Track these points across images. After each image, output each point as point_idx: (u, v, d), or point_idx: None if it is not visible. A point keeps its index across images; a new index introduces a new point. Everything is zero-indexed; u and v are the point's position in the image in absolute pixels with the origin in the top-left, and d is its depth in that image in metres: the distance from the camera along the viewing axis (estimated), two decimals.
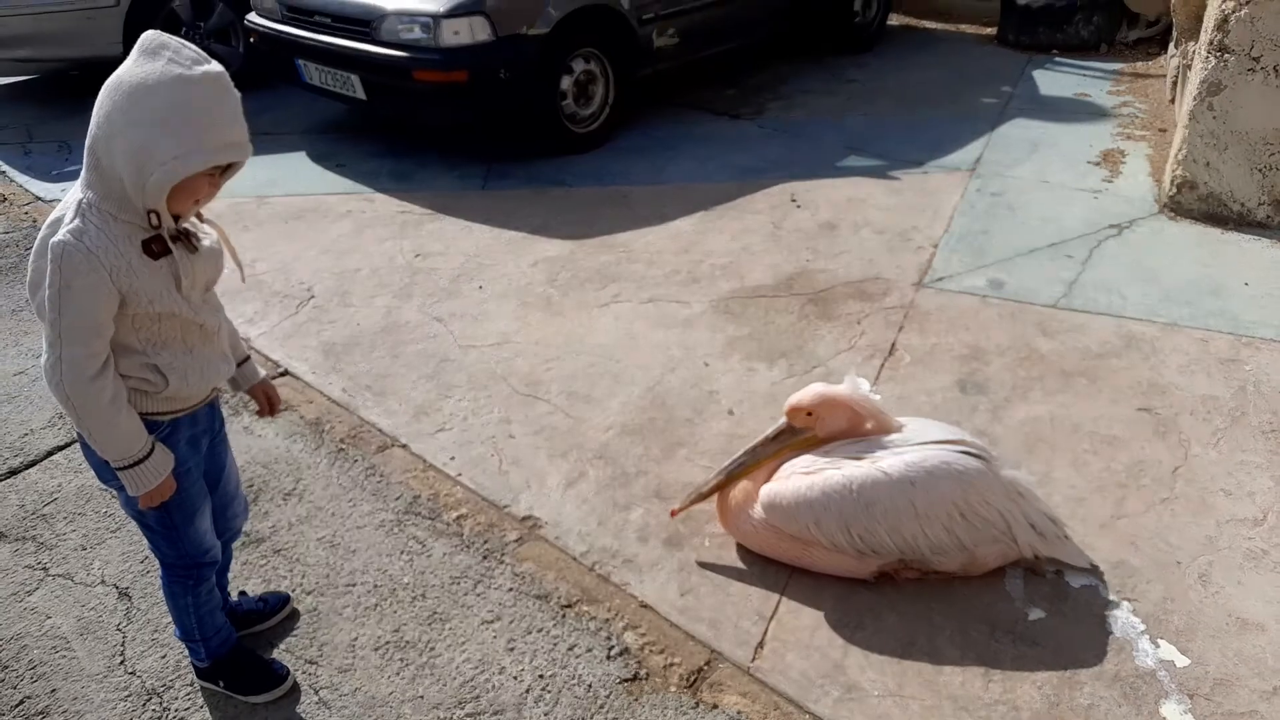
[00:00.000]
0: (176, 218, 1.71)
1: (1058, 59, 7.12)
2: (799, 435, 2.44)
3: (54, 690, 2.27)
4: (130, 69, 1.60)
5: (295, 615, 2.41)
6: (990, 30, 7.93)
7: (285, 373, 3.38)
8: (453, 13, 4.71)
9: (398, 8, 4.82)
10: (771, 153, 5.32)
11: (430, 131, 5.74)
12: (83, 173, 1.66)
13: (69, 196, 1.69)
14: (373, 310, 3.75)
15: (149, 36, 1.62)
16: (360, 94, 5.09)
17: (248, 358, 2.10)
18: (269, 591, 2.44)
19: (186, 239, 1.75)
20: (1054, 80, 6.60)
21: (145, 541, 2.56)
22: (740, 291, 3.82)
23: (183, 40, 1.62)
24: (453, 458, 2.91)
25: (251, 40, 5.72)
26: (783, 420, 2.46)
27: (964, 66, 6.96)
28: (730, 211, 4.56)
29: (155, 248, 1.69)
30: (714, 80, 6.68)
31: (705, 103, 6.24)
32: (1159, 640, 2.22)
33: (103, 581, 2.57)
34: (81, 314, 1.63)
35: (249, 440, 3.04)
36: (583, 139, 5.39)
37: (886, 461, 2.30)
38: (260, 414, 2.20)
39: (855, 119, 5.86)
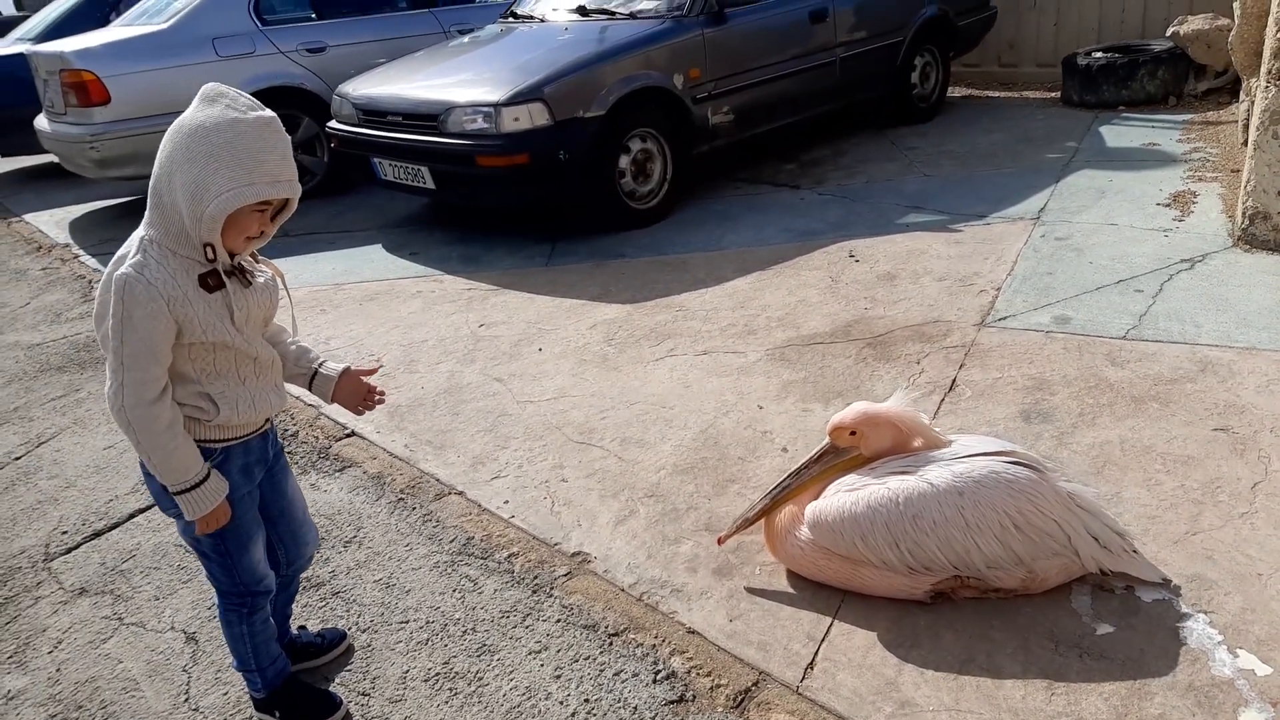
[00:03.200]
0: (232, 255, 1.83)
1: (1125, 114, 7.08)
2: (844, 455, 2.41)
3: None
4: (190, 114, 1.74)
5: (351, 651, 2.44)
6: (1054, 94, 7.94)
7: (352, 434, 3.49)
8: (512, 101, 4.96)
9: (462, 100, 5.11)
10: (830, 216, 5.37)
11: (498, 218, 5.98)
12: (146, 212, 1.80)
13: (133, 235, 1.83)
14: (436, 375, 3.86)
15: (209, 87, 1.77)
16: (430, 184, 5.35)
17: (316, 372, 2.13)
18: (326, 628, 2.48)
19: (241, 275, 1.87)
20: (1121, 133, 6.54)
21: (214, 590, 2.67)
22: (796, 340, 3.82)
23: (240, 90, 1.77)
24: (506, 502, 2.95)
25: (333, 145, 6.09)
26: (826, 441, 2.43)
27: (1027, 128, 6.96)
28: (787, 270, 4.60)
29: (211, 282, 1.80)
30: (773, 155, 6.82)
31: (765, 177, 6.37)
32: (1238, 650, 2.08)
33: (172, 628, 2.65)
34: (141, 341, 1.74)
35: (314, 495, 3.14)
36: (643, 215, 5.53)
37: (933, 473, 2.25)
38: (356, 413, 2.20)
39: (916, 181, 5.89)
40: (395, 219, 6.31)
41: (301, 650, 2.39)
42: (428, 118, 5.25)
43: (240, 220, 1.76)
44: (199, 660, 2.51)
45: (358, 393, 2.17)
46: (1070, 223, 4.81)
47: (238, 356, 1.89)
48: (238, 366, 1.90)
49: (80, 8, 8.80)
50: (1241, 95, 6.04)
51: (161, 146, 1.76)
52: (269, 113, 1.76)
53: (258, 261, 1.95)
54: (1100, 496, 2.36)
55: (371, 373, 2.21)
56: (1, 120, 8.16)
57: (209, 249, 1.76)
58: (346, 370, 2.15)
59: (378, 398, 2.21)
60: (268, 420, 2.07)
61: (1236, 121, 6.19)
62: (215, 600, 2.60)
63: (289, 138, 1.79)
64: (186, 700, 2.38)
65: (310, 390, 2.14)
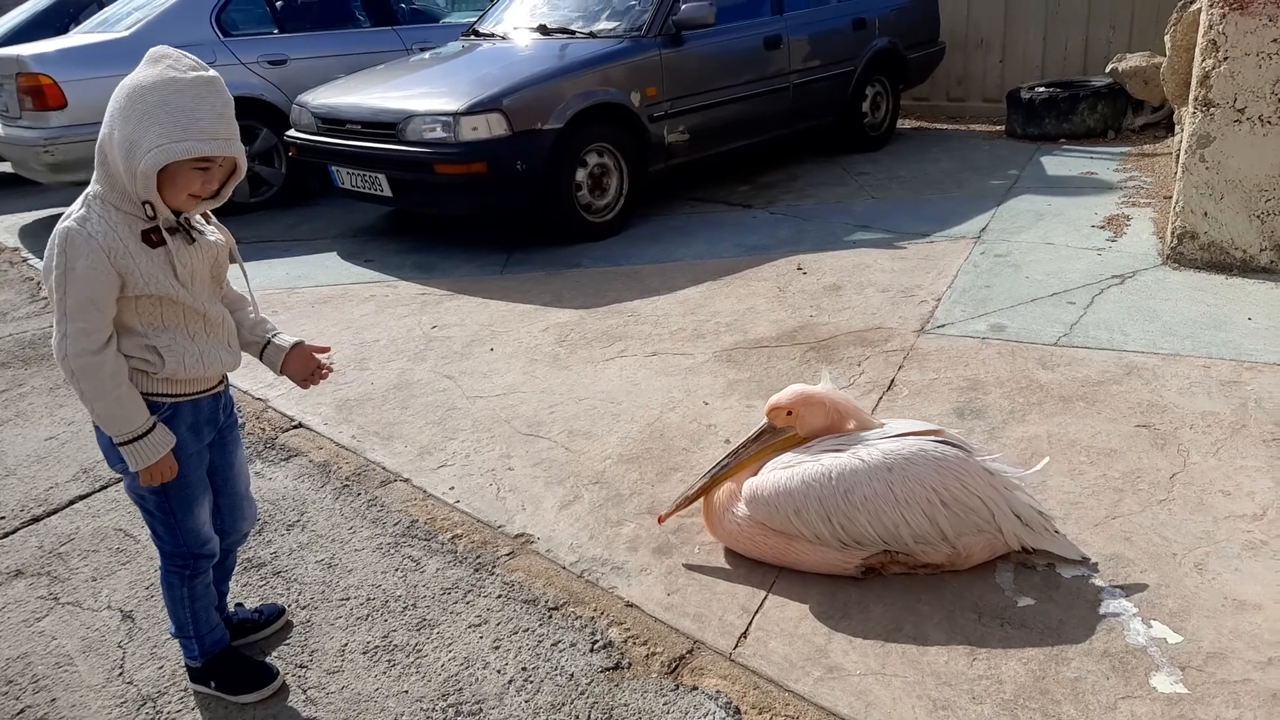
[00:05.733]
0: (179, 214, 1.87)
1: (1065, 146, 7.33)
2: (780, 435, 2.48)
3: (54, 700, 2.30)
4: (133, 75, 1.79)
5: (289, 627, 2.45)
6: (1000, 127, 8.21)
7: (299, 425, 3.50)
8: (470, 110, 5.04)
9: (422, 109, 5.18)
10: (781, 233, 5.49)
11: (454, 228, 6.03)
12: (95, 169, 1.84)
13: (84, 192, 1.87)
14: (387, 372, 3.89)
15: (155, 49, 1.82)
16: (387, 191, 5.40)
17: (269, 341, 2.15)
18: (264, 603, 2.49)
19: (185, 232, 1.90)
20: (1061, 163, 6.77)
21: (153, 571, 2.66)
22: (743, 343, 3.91)
23: (185, 52, 1.82)
24: (451, 488, 2.98)
25: (291, 153, 6.12)
26: (764, 421, 2.50)
27: (973, 158, 7.18)
28: (737, 280, 4.70)
29: (154, 238, 1.83)
30: (728, 177, 6.96)
31: (719, 197, 6.50)
32: (1152, 621, 2.17)
33: (109, 606, 2.63)
34: (83, 291, 1.77)
35: (259, 482, 3.13)
36: (599, 228, 5.62)
37: (864, 451, 2.33)
38: (303, 386, 2.20)
39: (865, 203, 6.05)
40: (352, 229, 6.33)
41: (239, 627, 2.39)
42: (387, 126, 5.31)
43: (178, 177, 1.78)
44: (135, 636, 2.49)
45: (307, 365, 2.19)
46: (1009, 241, 4.98)
47: (186, 312, 1.91)
48: (186, 322, 1.93)
49: (40, 16, 8.77)
50: (1176, 128, 6.30)
51: (107, 108, 1.80)
52: (210, 73, 1.79)
53: (209, 223, 1.99)
54: (1025, 479, 2.45)
55: (324, 350, 2.23)
56: None
57: (148, 206, 1.79)
58: (299, 343, 2.18)
59: (325, 373, 2.23)
60: (221, 382, 2.09)
61: (1172, 153, 6.44)
62: (154, 580, 2.62)
63: (230, 97, 1.81)
64: (121, 674, 2.37)
65: (261, 360, 2.17)
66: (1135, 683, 2.00)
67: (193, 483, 2.05)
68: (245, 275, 2.13)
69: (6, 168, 7.77)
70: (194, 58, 1.81)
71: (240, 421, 2.23)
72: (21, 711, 2.28)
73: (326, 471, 3.16)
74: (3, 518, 3.12)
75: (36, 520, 3.10)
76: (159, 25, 6.63)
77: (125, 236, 1.79)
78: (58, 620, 2.60)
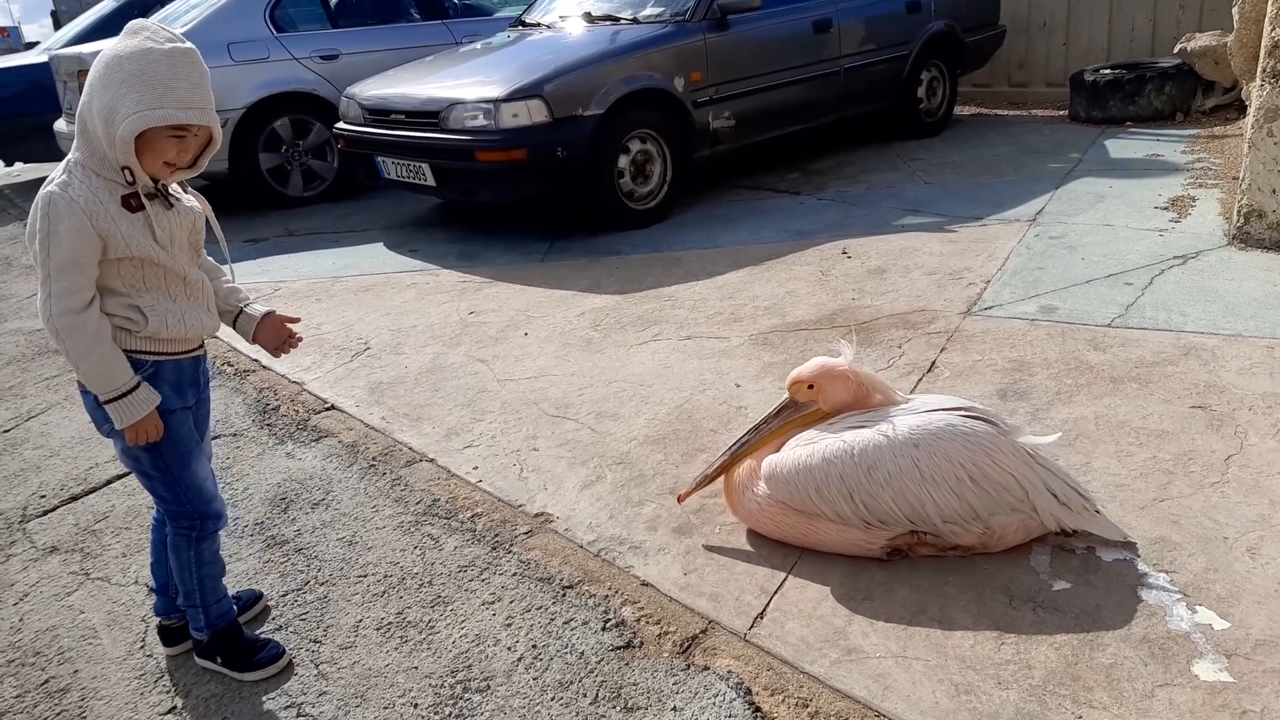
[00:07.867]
0: (156, 181, 1.89)
1: (1131, 129, 7.06)
2: (802, 410, 2.39)
3: (76, 671, 2.33)
4: (113, 45, 1.83)
5: (266, 612, 2.42)
6: (1063, 112, 7.94)
7: (332, 407, 3.51)
8: (511, 97, 5.03)
9: (463, 97, 5.18)
10: (827, 218, 5.37)
11: (498, 218, 6.03)
12: (75, 137, 1.87)
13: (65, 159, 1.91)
14: (422, 356, 3.88)
15: (134, 22, 1.86)
16: (430, 181, 5.41)
17: (241, 311, 2.18)
18: (243, 589, 2.47)
19: (163, 198, 1.93)
20: (1125, 146, 6.52)
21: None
22: (781, 327, 3.82)
23: (163, 25, 1.84)
24: (475, 468, 2.95)
25: (340, 146, 6.18)
26: (785, 396, 2.42)
27: (1033, 141, 6.96)
28: (779, 265, 4.60)
29: (133, 202, 1.87)
30: (776, 165, 6.85)
31: (766, 184, 6.39)
32: (1197, 607, 2.03)
33: (136, 582, 2.65)
34: (66, 253, 1.80)
35: (289, 463, 3.15)
36: (641, 215, 5.55)
37: (889, 426, 2.23)
38: (274, 354, 2.23)
39: (916, 188, 5.89)
40: (400, 220, 6.37)
41: None
42: (430, 115, 5.32)
43: (155, 144, 1.82)
44: None
45: (278, 334, 2.21)
46: (1066, 223, 4.79)
47: (167, 274, 1.94)
48: (167, 284, 1.96)
49: (109, 18, 9.02)
50: (1248, 108, 6.01)
51: (88, 76, 1.83)
52: (187, 45, 1.82)
53: (186, 191, 2.02)
54: (1042, 446, 2.32)
55: (294, 320, 2.25)
56: (27, 128, 8.34)
57: (127, 172, 1.83)
58: (270, 313, 2.21)
59: (295, 341, 2.25)
60: (201, 345, 2.11)
61: (1243, 135, 6.15)
62: None
63: (206, 70, 1.84)
64: (142, 647, 2.38)
65: (234, 329, 2.19)
66: (1175, 670, 1.87)
67: (184, 437, 2.06)
68: (223, 244, 2.13)
69: None
70: (171, 30, 1.84)
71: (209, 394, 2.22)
72: (45, 682, 2.31)
73: (354, 452, 3.16)
74: (44, 496, 3.18)
75: (75, 499, 3.15)
76: (213, 21, 6.75)
77: (106, 201, 1.83)
78: (86, 595, 2.63)
